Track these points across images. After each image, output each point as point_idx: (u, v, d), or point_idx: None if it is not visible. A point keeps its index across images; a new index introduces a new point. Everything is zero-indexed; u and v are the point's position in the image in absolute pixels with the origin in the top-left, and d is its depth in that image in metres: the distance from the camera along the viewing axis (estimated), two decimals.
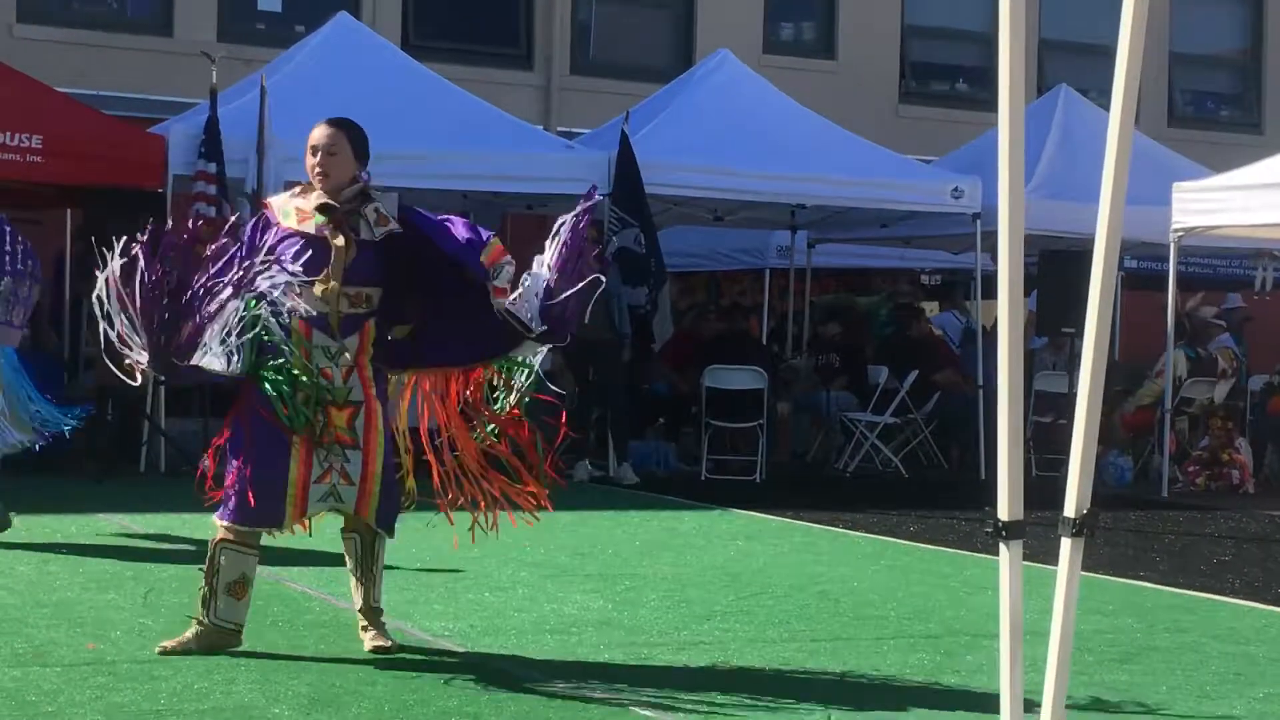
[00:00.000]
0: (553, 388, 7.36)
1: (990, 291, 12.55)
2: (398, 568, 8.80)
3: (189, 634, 6.36)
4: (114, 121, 14.45)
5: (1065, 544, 3.57)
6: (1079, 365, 3.48)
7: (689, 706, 5.78)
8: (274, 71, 14.42)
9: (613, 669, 6.38)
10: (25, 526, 9.69)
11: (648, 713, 5.67)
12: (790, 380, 17.42)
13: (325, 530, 10.06)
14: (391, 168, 14.39)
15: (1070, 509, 3.57)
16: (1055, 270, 13.82)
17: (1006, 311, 3.58)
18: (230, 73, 15.26)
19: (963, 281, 20.15)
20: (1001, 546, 3.59)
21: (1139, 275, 19.89)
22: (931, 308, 21.16)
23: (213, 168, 13.25)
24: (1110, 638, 7.47)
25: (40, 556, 8.59)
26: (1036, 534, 3.79)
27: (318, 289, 6.38)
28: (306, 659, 6.33)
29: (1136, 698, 6.21)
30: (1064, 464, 3.71)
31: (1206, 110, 25.89)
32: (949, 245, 18.22)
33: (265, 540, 9.46)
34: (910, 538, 11.11)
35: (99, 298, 6.03)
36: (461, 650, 6.66)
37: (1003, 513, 3.60)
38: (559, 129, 19.61)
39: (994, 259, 10.58)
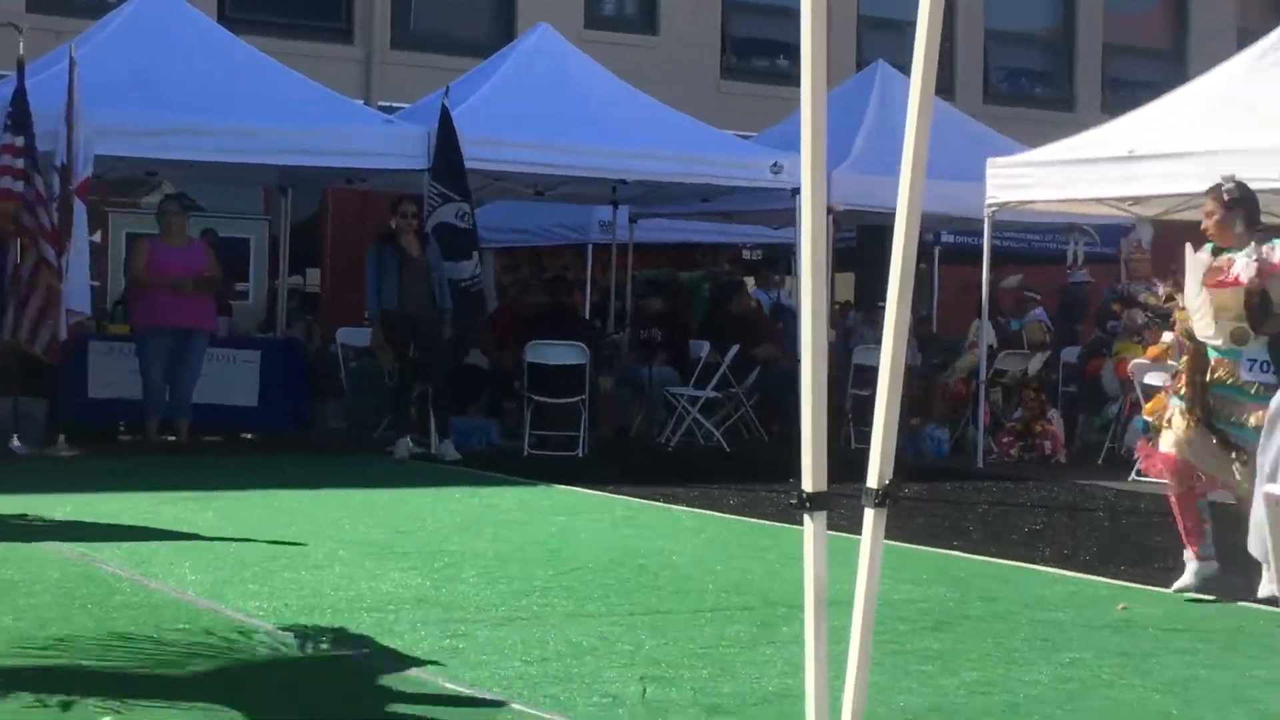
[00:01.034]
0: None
1: None
2: (203, 539, 8.72)
3: None
4: None
5: (869, 514, 3.62)
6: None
7: (506, 683, 5.76)
8: (84, 43, 14.14)
9: (429, 646, 6.35)
10: None
11: (463, 689, 5.65)
12: (612, 355, 17.46)
13: (138, 511, 9.94)
14: (208, 142, 14.27)
15: (873, 480, 3.62)
16: (873, 245, 13.99)
17: (809, 286, 3.61)
18: (41, 44, 14.96)
19: (784, 257, 20.32)
20: (806, 518, 3.63)
21: (955, 250, 20.19)
22: (753, 283, 21.33)
23: (20, 141, 12.95)
24: (923, 606, 7.59)
25: None
26: (855, 505, 3.83)
27: None
28: (116, 641, 6.21)
29: (947, 664, 6.31)
30: None
31: (1021, 87, 26.37)
32: (770, 220, 18.35)
33: (71, 518, 9.32)
34: (730, 511, 11.19)
35: None
36: (277, 630, 6.57)
37: (807, 484, 3.63)
38: (380, 103, 19.46)
39: None
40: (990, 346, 16.11)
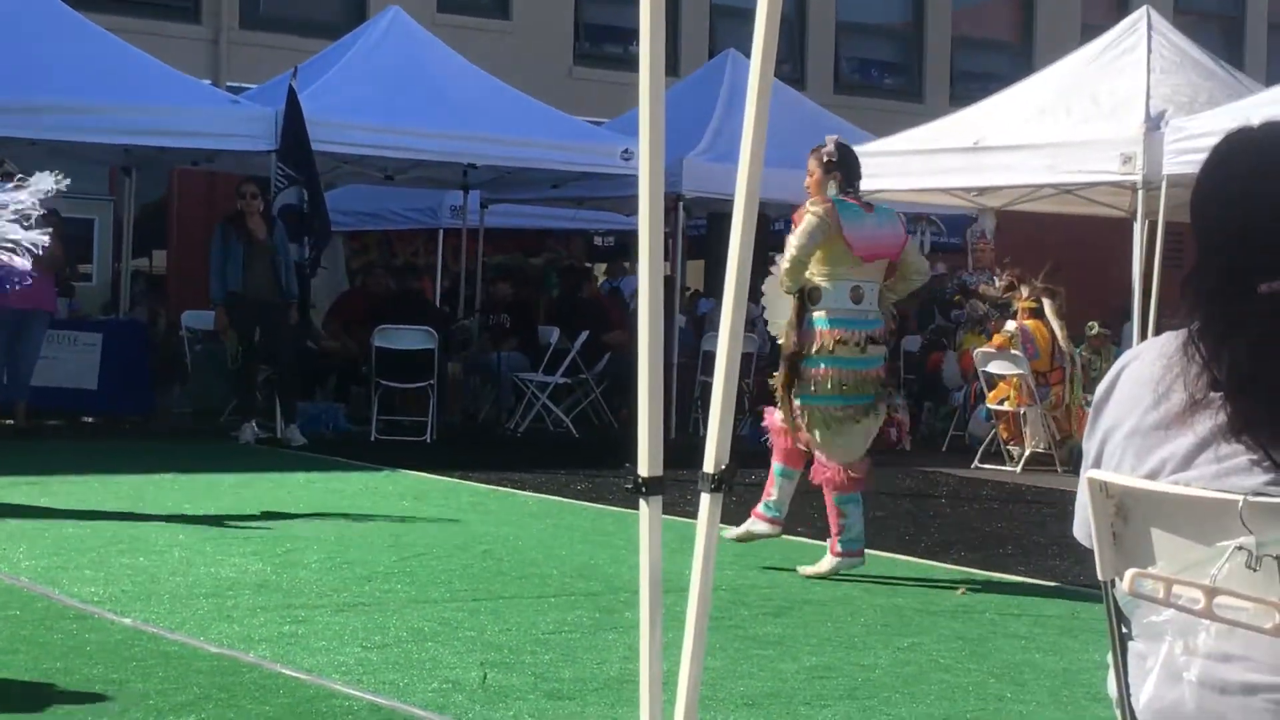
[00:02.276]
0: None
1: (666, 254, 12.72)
2: (39, 524, 8.57)
3: None
4: None
5: (705, 499, 3.62)
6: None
7: (345, 668, 5.72)
8: None
9: (267, 631, 6.28)
10: None
11: (301, 675, 5.60)
12: (462, 340, 17.39)
13: None
14: (51, 120, 13.99)
15: (709, 465, 3.62)
16: (723, 233, 14.02)
17: (646, 274, 3.61)
18: None
19: (636, 244, 20.31)
20: (641, 503, 3.62)
21: None
22: (602, 269, 21.35)
23: None
24: (766, 592, 7.64)
25: None
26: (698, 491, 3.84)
27: None
28: None
29: (787, 649, 6.36)
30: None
31: (871, 78, 26.61)
32: (621, 207, 18.34)
33: None
34: (577, 496, 11.19)
35: None
36: (111, 616, 6.47)
37: (643, 469, 3.62)
38: (228, 84, 19.21)
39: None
40: None
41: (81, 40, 14.77)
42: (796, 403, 8.16)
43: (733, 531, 8.25)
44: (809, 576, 8.08)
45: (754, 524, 8.38)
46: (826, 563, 8.18)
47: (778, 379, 8.31)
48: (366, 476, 11.91)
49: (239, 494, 10.48)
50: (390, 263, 20.03)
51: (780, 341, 8.46)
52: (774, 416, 8.39)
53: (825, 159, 8.38)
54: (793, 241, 8.19)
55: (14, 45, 14.08)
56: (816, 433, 8.16)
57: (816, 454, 8.25)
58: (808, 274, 8.21)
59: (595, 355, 16.32)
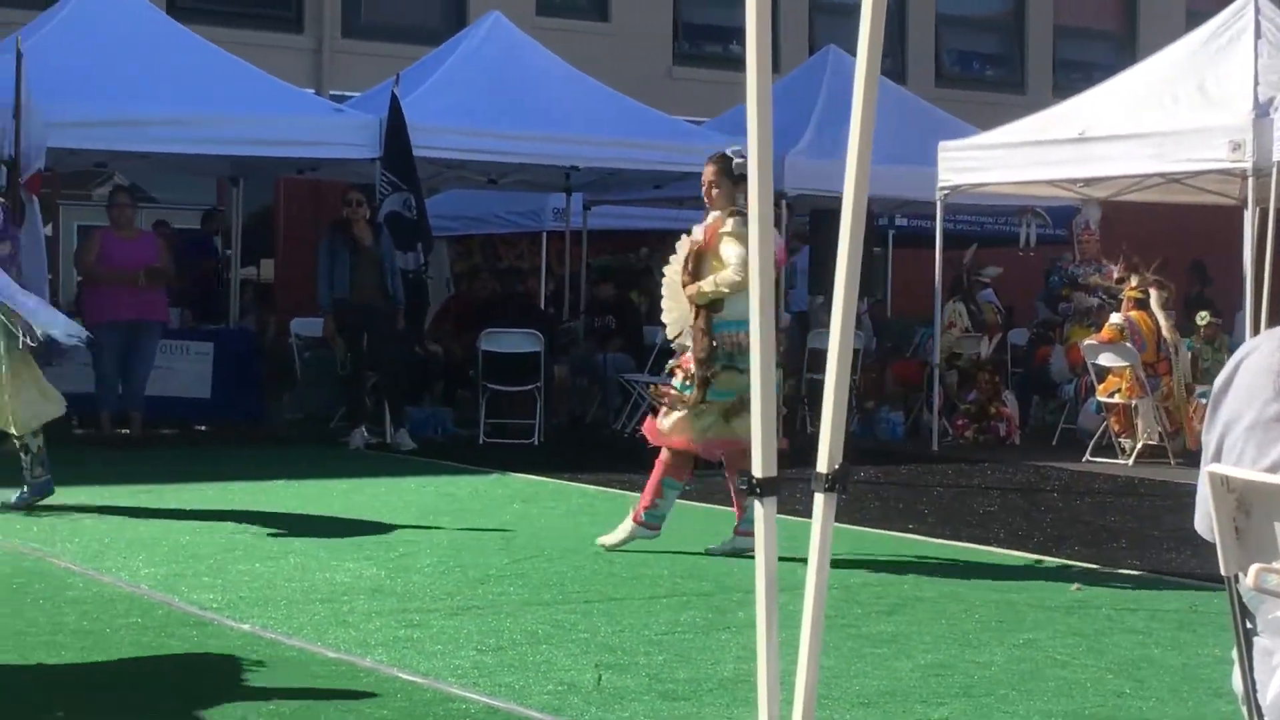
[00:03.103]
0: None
1: None
2: (157, 532, 8.69)
3: None
4: None
5: (819, 498, 3.62)
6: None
7: (460, 671, 5.76)
8: (31, 35, 14.01)
9: (384, 636, 6.34)
10: None
11: (418, 679, 5.64)
12: (567, 343, 17.44)
13: (91, 505, 9.88)
14: (159, 133, 14.18)
15: (822, 464, 3.62)
16: (826, 229, 14.00)
17: (757, 273, 3.61)
18: None
19: None
20: (756, 503, 3.63)
21: (910, 233, 20.23)
22: None
23: None
24: (878, 590, 7.61)
25: None
26: (810, 490, 3.83)
27: None
28: (67, 636, 6.18)
29: (901, 647, 6.34)
30: None
31: (973, 71, 26.42)
32: None
33: (30, 515, 9.26)
34: (685, 497, 11.13)
35: None
36: (230, 622, 6.55)
37: (757, 470, 3.63)
38: (331, 92, 19.39)
39: None
40: (967, 328, 16.22)
41: (188, 53, 14.96)
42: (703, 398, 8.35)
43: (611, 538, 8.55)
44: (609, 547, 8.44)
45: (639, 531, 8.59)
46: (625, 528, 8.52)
47: (689, 381, 8.45)
48: (475, 480, 11.98)
49: (350, 499, 10.57)
50: (495, 266, 20.12)
51: (683, 343, 8.57)
52: (662, 424, 8.62)
53: (737, 170, 8.51)
54: (740, 253, 8.27)
55: (123, 60, 14.29)
56: (714, 421, 8.39)
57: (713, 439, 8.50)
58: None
59: None
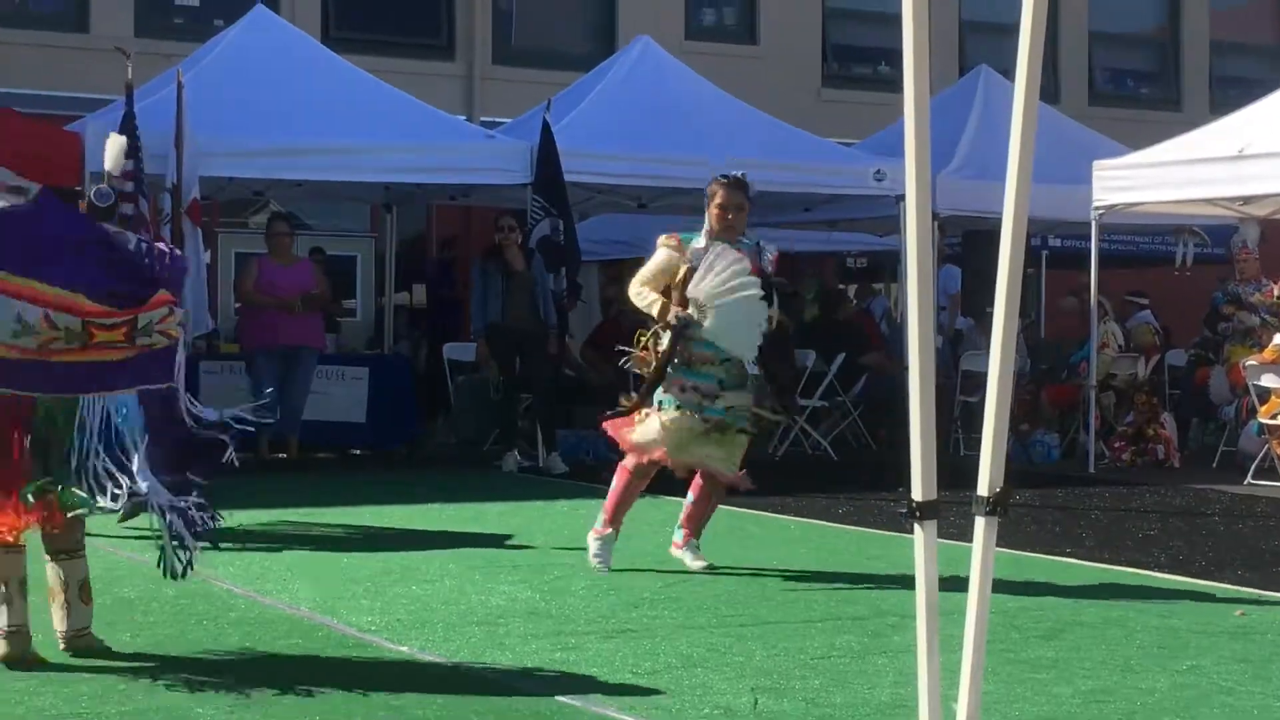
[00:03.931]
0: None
1: None
2: (315, 555, 8.80)
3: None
4: (30, 119, 14.30)
5: (979, 522, 3.58)
6: None
7: (616, 694, 5.77)
8: (191, 66, 14.31)
9: (540, 659, 6.37)
10: None
11: (575, 701, 5.66)
12: None
13: (250, 528, 10.03)
14: (314, 161, 14.42)
15: (983, 488, 3.58)
16: (978, 250, 13.90)
17: (915, 293, 3.59)
18: (148, 68, 15.13)
19: (890, 264, 20.22)
20: (916, 527, 3.60)
21: (1063, 254, 20.01)
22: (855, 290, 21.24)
23: (130, 164, 13.10)
24: (1037, 614, 7.51)
25: None
26: (965, 512, 3.80)
27: None
28: (232, 657, 6.28)
29: (1061, 673, 6.25)
30: None
31: (1126, 88, 26.09)
32: (874, 228, 18.27)
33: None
34: (838, 520, 11.14)
35: None
36: (389, 645, 6.62)
37: (916, 493, 3.60)
38: (482, 119, 19.58)
39: None
40: (1121, 348, 16.01)
41: (342, 83, 15.19)
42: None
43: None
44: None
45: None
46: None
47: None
48: None
49: (505, 522, 10.64)
50: None
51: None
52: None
53: (751, 192, 8.68)
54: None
55: (278, 89, 14.54)
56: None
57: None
58: (648, 291, 8.61)
59: (853, 377, 16.24)
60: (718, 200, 8.57)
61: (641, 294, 8.66)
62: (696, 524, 8.90)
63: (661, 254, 8.63)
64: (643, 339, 8.71)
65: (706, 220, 8.63)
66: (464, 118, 18.88)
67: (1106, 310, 16.64)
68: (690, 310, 8.43)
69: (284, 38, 15.55)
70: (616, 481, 8.81)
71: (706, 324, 8.40)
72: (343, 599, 7.65)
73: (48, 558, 6.31)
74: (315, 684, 5.84)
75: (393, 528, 10.34)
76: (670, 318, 8.44)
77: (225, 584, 8.03)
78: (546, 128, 14.44)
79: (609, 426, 8.85)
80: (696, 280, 8.41)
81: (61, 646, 6.26)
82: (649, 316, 8.68)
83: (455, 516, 10.94)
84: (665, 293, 8.55)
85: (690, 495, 8.95)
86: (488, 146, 15.24)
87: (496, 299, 14.13)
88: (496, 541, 9.77)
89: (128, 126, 13.22)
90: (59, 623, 6.29)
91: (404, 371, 16.16)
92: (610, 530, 8.76)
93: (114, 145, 7.11)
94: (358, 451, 15.51)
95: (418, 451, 15.41)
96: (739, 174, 8.77)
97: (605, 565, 8.62)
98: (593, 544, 8.71)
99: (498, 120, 18.19)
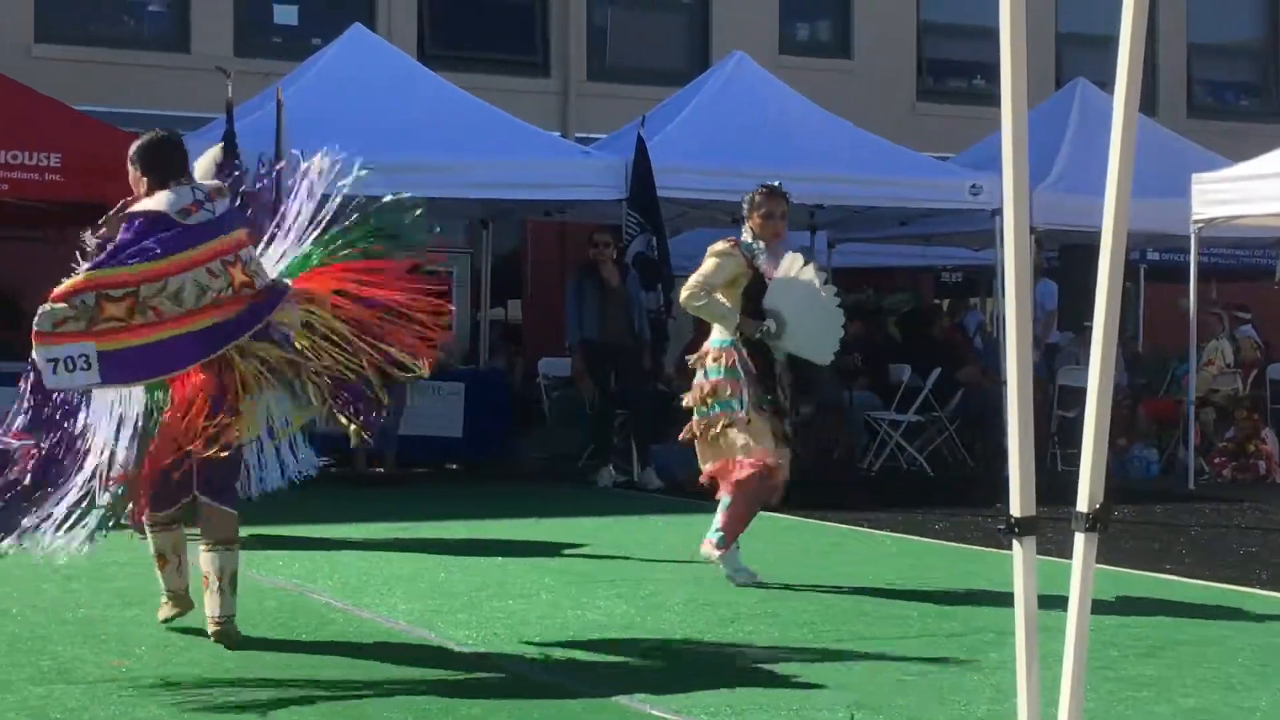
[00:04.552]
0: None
1: None
2: (412, 569, 8.86)
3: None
4: (132, 138, 14.43)
5: (1079, 538, 3.56)
6: None
7: (713, 710, 5.77)
8: (290, 84, 14.45)
9: (637, 674, 6.38)
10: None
11: (671, 716, 5.67)
12: (812, 380, 17.37)
13: (349, 542, 10.13)
14: (410, 179, 14.44)
15: (1083, 503, 3.56)
16: (1076, 264, 13.79)
17: (1013, 307, 3.57)
18: (247, 87, 15.29)
19: (985, 279, 20.11)
20: (1015, 543, 3.58)
21: (1161, 268, 19.83)
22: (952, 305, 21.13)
23: (230, 182, 13.24)
24: (1136, 632, 7.44)
25: (64, 574, 8.58)
26: (1062, 528, 3.79)
27: None
28: (331, 670, 6.33)
29: (1162, 691, 6.19)
30: None
31: (1225, 101, 25.82)
32: (970, 242, 18.18)
33: (291, 552, 9.54)
34: (934, 535, 11.09)
35: None
36: (485, 659, 6.65)
37: (1015, 509, 3.58)
38: (576, 135, 19.64)
39: None
40: (1228, 365, 15.84)
41: (438, 99, 15.30)
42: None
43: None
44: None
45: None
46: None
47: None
48: None
49: (599, 537, 10.67)
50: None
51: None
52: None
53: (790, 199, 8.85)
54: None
55: (375, 107, 14.65)
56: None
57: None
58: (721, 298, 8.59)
59: (948, 392, 16.16)
60: (765, 209, 8.69)
61: (709, 299, 8.59)
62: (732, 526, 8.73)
63: (726, 261, 8.63)
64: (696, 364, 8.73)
65: (748, 230, 8.71)
66: (559, 134, 18.96)
67: (1223, 324, 16.48)
68: (769, 322, 8.45)
69: (381, 56, 15.68)
70: (735, 502, 8.64)
71: (786, 334, 8.45)
72: (440, 613, 7.69)
73: (204, 547, 6.72)
74: (414, 697, 5.88)
75: (489, 542, 10.39)
76: (755, 333, 8.44)
77: (324, 597, 8.10)
78: (641, 143, 14.48)
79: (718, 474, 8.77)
80: (775, 289, 8.46)
81: (211, 629, 6.67)
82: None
83: (550, 531, 10.97)
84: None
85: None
86: (583, 163, 15.29)
87: (591, 315, 14.17)
88: (592, 556, 9.79)
89: (228, 145, 13.38)
90: (211, 609, 6.68)
91: (499, 386, 16.23)
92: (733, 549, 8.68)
93: (206, 157, 7.33)
94: (453, 466, 15.60)
95: (513, 466, 15.48)
96: (776, 183, 8.88)
97: (752, 576, 8.55)
98: (725, 567, 8.60)
99: (592, 136, 18.26)
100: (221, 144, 13.30)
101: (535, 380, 16.80)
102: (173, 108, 18.35)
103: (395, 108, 14.77)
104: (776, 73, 17.58)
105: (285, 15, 20.88)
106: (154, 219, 6.53)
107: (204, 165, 8.07)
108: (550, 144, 16.05)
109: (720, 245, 8.70)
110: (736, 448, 8.55)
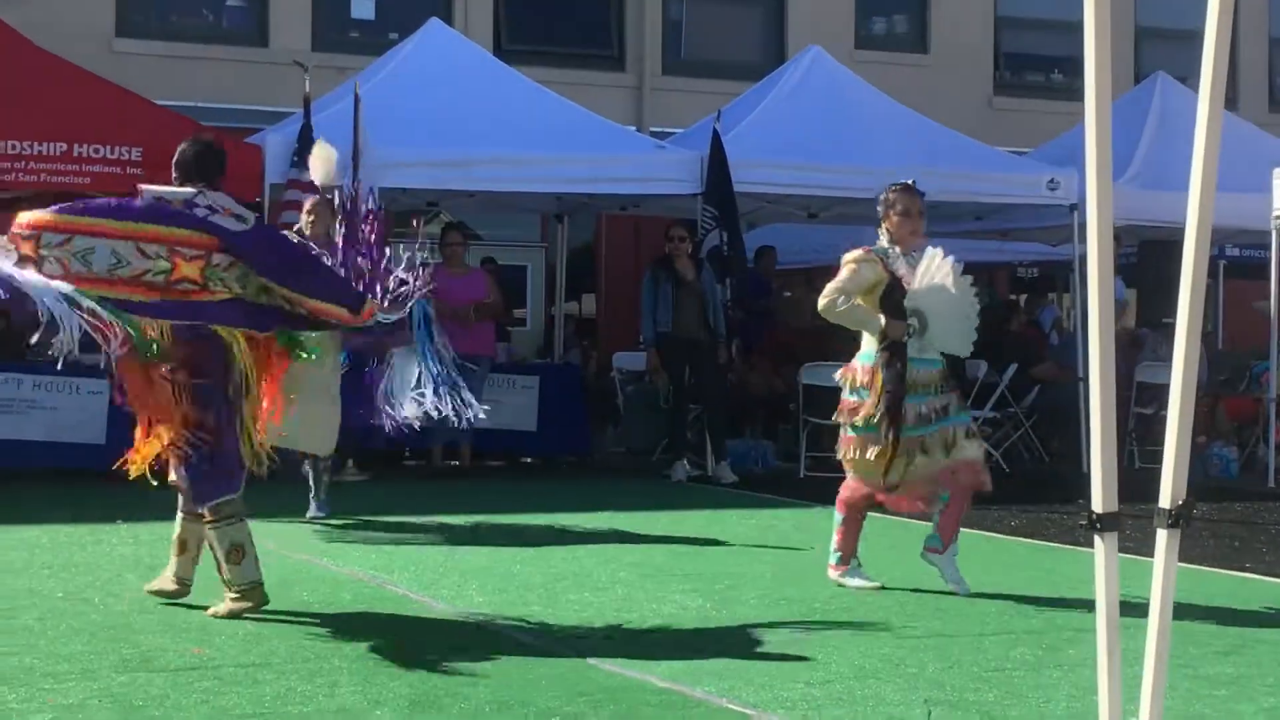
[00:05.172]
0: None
1: None
2: (488, 561, 8.90)
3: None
4: (212, 132, 14.58)
5: (1161, 535, 3.54)
6: None
7: (789, 704, 5.77)
8: (368, 79, 14.53)
9: (712, 668, 6.38)
10: (132, 534, 9.85)
11: (747, 710, 5.67)
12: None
13: (425, 534, 10.18)
14: (486, 172, 14.57)
15: (1165, 500, 3.54)
16: (1155, 260, 13.69)
17: (1097, 303, 3.56)
18: (325, 81, 15.41)
19: (1062, 274, 19.99)
20: (1096, 539, 3.57)
21: (1242, 264, 19.65)
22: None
23: (305, 176, 13.34)
24: (1215, 630, 7.39)
25: (147, 564, 8.68)
26: (1140, 526, 3.77)
27: None
28: (407, 660, 6.37)
29: (1242, 689, 6.14)
30: None
31: None
32: (1046, 237, 18.08)
33: (361, 540, 9.62)
34: (1011, 532, 11.03)
35: None
36: (560, 651, 6.67)
37: (1097, 505, 3.57)
38: (651, 129, 19.66)
39: None
40: None
41: (515, 94, 15.34)
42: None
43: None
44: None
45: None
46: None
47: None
48: (798, 513, 11.99)
49: (674, 531, 10.68)
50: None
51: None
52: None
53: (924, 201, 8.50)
54: None
55: (453, 102, 14.72)
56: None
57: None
58: (860, 303, 8.30)
59: (1024, 388, 16.07)
60: (901, 206, 8.35)
61: (853, 309, 8.25)
62: (947, 529, 8.48)
63: (864, 268, 8.25)
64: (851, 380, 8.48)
65: (884, 232, 8.38)
66: (634, 128, 18.98)
67: None
68: (913, 321, 8.17)
69: (457, 50, 15.74)
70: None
71: (929, 331, 8.21)
72: (516, 605, 7.72)
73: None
74: (492, 688, 5.91)
75: (563, 534, 10.43)
76: (902, 336, 8.16)
77: (400, 589, 8.14)
78: (716, 138, 14.48)
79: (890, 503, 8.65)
80: (919, 288, 8.21)
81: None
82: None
83: (625, 524, 10.99)
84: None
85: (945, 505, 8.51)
86: (658, 157, 15.30)
87: (667, 309, 14.18)
88: (667, 550, 9.80)
89: (304, 139, 13.48)
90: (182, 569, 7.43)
91: (574, 380, 16.27)
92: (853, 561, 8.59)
93: (326, 156, 7.57)
94: (528, 459, 15.65)
95: (587, 460, 15.52)
96: (910, 180, 8.62)
97: (869, 580, 8.47)
98: (851, 583, 8.47)
99: (668, 130, 18.27)
100: (298, 141, 13.47)
101: (610, 374, 16.83)
102: (251, 102, 18.54)
103: (471, 102, 14.83)
104: (853, 67, 17.55)
105: (363, 10, 21.00)
106: (139, 195, 7.06)
107: (323, 167, 8.23)
108: (625, 138, 16.06)
109: (856, 253, 8.33)
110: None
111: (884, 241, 8.37)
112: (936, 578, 8.68)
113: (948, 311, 8.28)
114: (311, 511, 10.94)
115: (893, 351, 8.19)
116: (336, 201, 8.32)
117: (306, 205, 11.07)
